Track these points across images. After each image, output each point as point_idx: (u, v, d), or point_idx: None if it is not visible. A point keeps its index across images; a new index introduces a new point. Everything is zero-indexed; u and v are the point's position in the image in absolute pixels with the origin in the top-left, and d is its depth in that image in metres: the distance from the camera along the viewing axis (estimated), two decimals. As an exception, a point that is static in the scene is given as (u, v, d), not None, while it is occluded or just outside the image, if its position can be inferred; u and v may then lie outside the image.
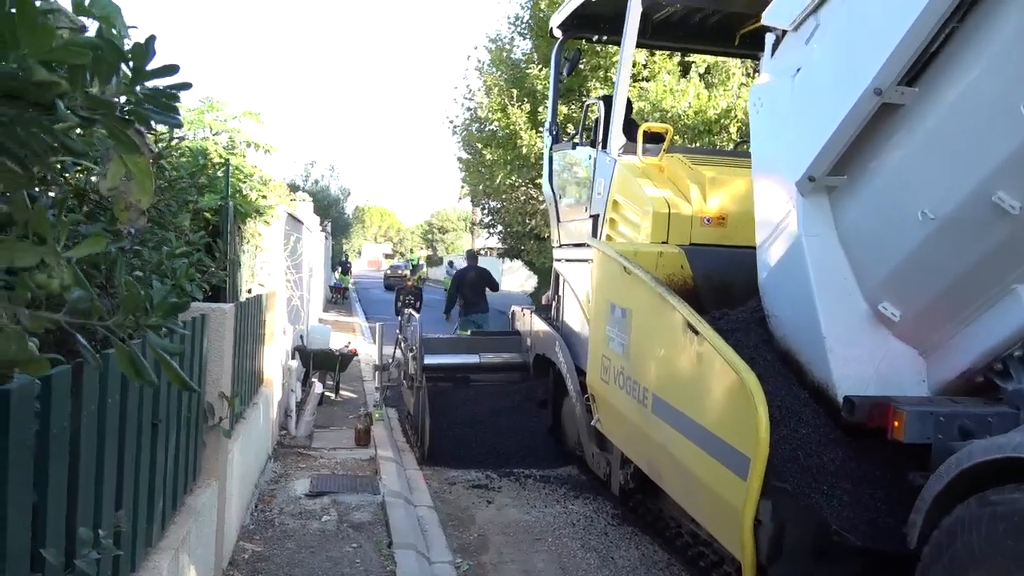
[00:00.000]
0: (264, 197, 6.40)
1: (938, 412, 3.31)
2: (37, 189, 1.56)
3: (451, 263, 31.37)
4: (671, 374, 4.07)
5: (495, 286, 11.39)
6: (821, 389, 3.72)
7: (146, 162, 1.02)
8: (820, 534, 3.19)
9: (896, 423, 3.35)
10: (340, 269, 32.05)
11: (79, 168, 2.24)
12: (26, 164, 0.92)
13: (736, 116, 11.25)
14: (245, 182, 6.07)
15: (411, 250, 48.90)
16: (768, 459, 3.19)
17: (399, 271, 41.74)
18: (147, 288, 1.13)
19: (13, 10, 0.81)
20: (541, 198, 13.94)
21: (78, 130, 1.01)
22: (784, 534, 3.23)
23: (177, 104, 1.00)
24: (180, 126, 1.08)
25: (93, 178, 2.72)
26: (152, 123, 1.01)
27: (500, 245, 19.60)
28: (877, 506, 3.32)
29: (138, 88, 0.96)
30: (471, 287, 11.17)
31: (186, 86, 0.99)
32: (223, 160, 5.40)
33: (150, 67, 0.99)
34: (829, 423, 3.62)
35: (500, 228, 19.21)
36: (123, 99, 1.01)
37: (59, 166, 1.81)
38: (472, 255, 12.11)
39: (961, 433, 3.26)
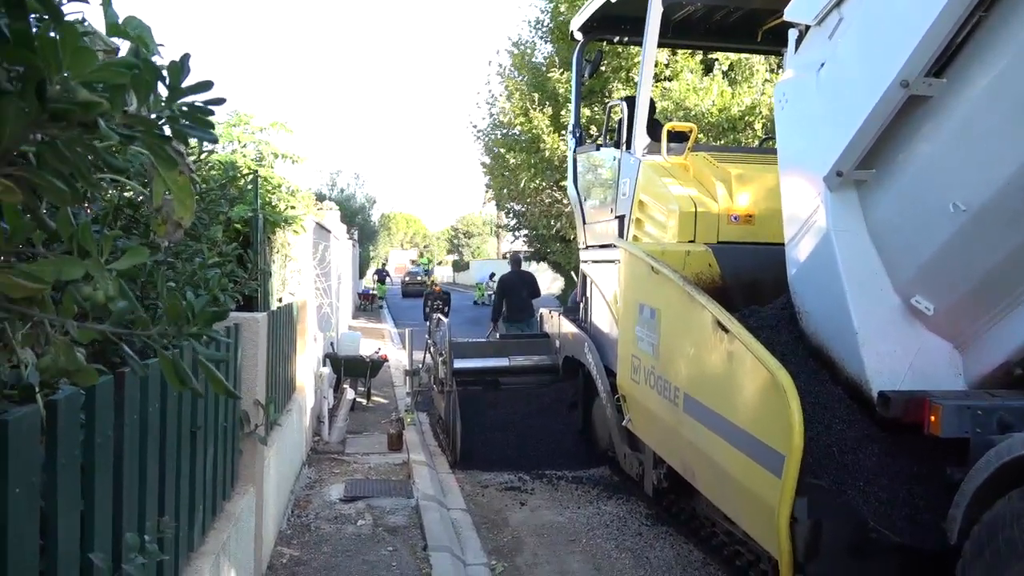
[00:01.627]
0: (292, 207, 6.47)
1: (976, 406, 3.26)
2: (77, 205, 1.60)
3: (492, 274, 31.55)
4: (702, 373, 4.05)
5: (537, 292, 10.87)
6: (855, 385, 3.68)
7: (186, 180, 1.05)
8: (857, 531, 3.16)
9: (933, 418, 3.30)
10: (377, 277, 32.23)
11: (116, 184, 2.30)
12: (71, 182, 0.95)
13: (760, 113, 11.17)
14: (274, 193, 6.14)
15: (420, 253, 49.12)
16: (803, 456, 3.16)
17: (417, 277, 41.94)
18: (189, 298, 1.16)
19: (56, 35, 0.84)
20: (566, 200, 13.95)
21: (116, 148, 1.04)
22: (821, 532, 3.19)
23: (213, 120, 1.03)
24: (216, 141, 1.11)
25: (127, 193, 2.79)
26: (189, 139, 1.04)
27: (526, 248, 19.60)
28: (915, 502, 3.28)
29: (175, 105, 0.99)
30: (516, 293, 10.67)
31: (220, 101, 1.02)
32: (252, 172, 5.48)
33: (185, 84, 1.03)
34: (864, 419, 3.58)
35: (525, 231, 19.21)
36: (160, 116, 1.05)
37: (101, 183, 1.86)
38: (516, 259, 11.51)
39: (1000, 426, 3.20)
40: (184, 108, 1.00)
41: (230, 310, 2.08)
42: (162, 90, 1.03)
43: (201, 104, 1.01)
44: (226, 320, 3.45)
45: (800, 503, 3.20)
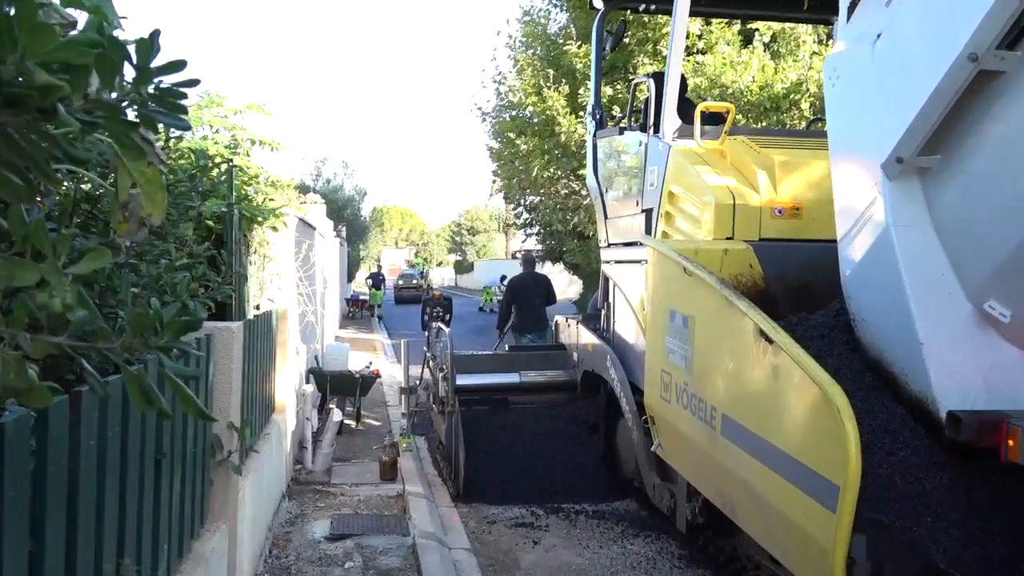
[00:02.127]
0: (272, 201, 6.50)
1: (1061, 428, 3.25)
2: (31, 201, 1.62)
3: (503, 277, 31.54)
4: (742, 390, 4.06)
5: (552, 297, 10.84)
6: (919, 403, 3.67)
7: (156, 171, 1.06)
8: (925, 573, 3.15)
9: (1011, 442, 3.29)
10: (371, 282, 32.30)
11: (73, 176, 2.32)
12: (26, 175, 0.97)
13: (808, 90, 11.17)
14: (250, 184, 6.18)
15: (415, 254, 49.24)
16: (860, 487, 3.14)
17: (412, 281, 41.96)
18: (156, 306, 1.17)
19: (11, 9, 0.85)
20: (584, 192, 13.97)
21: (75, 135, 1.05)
22: (882, 575, 3.19)
23: (185, 103, 1.04)
24: (188, 128, 1.12)
25: (84, 186, 2.82)
26: (159, 126, 1.05)
27: (539, 246, 19.64)
28: (991, 539, 3.26)
29: (143, 88, 1.00)
30: (528, 298, 10.57)
31: (194, 82, 1.03)
32: (226, 161, 5.51)
33: (155, 64, 1.04)
34: (930, 443, 3.57)
35: (538, 227, 19.23)
36: (126, 100, 1.06)
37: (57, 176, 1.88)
38: (528, 260, 11.47)
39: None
40: (154, 91, 1.01)
41: (203, 319, 2.10)
42: (128, 70, 1.05)
43: (172, 86, 1.02)
44: (197, 331, 3.50)
45: (858, 541, 3.18)
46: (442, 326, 8.70)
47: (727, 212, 5.26)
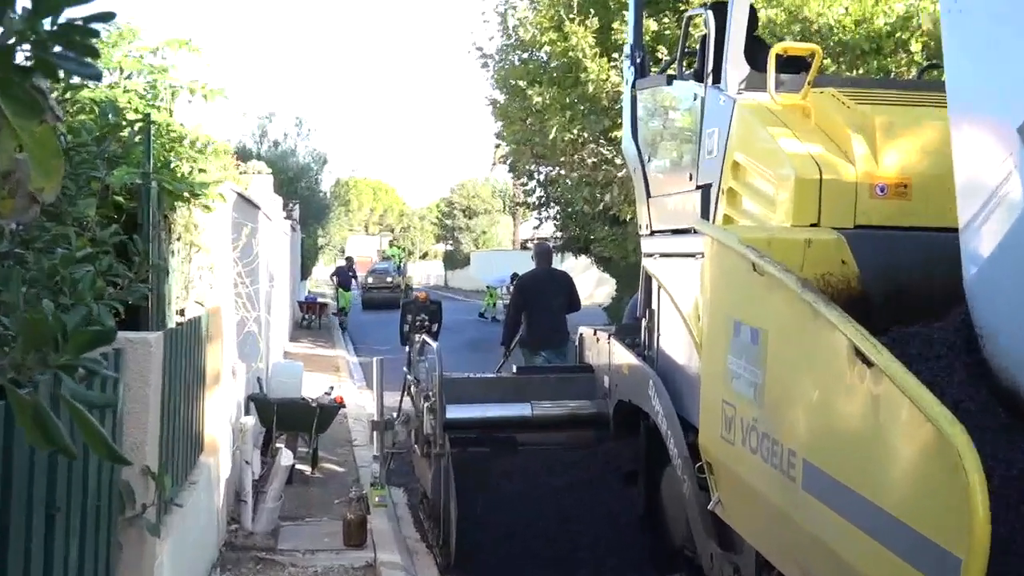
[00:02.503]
0: (202, 171, 6.52)
1: None
2: None
3: (514, 275, 31.40)
4: (831, 429, 4.04)
5: (575, 302, 10.88)
6: (1069, 448, 3.66)
7: (49, 131, 1.06)
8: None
9: None
10: (337, 280, 32.26)
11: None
12: None
13: (920, 27, 11.13)
14: (173, 149, 6.19)
15: (390, 243, 49.04)
16: (989, 560, 3.14)
17: (387, 278, 41.79)
18: (53, 311, 1.18)
19: None
20: (619, 161, 13.95)
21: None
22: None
23: (96, 44, 1.04)
24: (99, 77, 1.12)
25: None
26: (60, 73, 1.05)
27: (558, 233, 19.61)
28: None
29: (39, 23, 1.00)
30: (543, 303, 10.60)
31: (108, 16, 1.03)
32: (141, 116, 5.53)
33: (56, -9, 1.04)
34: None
35: (557, 208, 19.18)
36: (14, 39, 1.06)
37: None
38: (544, 251, 11.51)
39: None
40: (54, 27, 1.01)
41: (115, 330, 2.11)
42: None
43: (79, 21, 1.02)
44: (110, 344, 3.50)
45: (984, 633, 3.19)
46: (428, 339, 8.69)
47: (811, 190, 5.24)
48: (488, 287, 37.31)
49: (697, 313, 5.98)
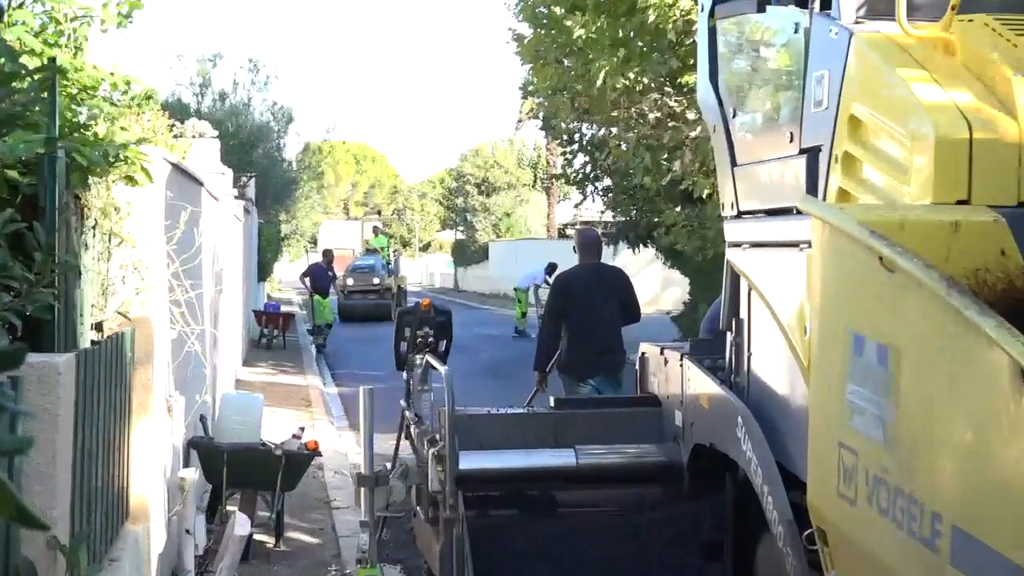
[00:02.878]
0: (124, 129, 6.50)
1: None
2: None
3: (551, 266, 31.23)
4: (991, 483, 4.00)
5: (634, 310, 10.94)
6: None
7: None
8: None
9: None
10: (311, 283, 31.48)
11: None
12: None
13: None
14: (85, 102, 6.17)
15: (374, 230, 48.39)
16: None
17: (373, 279, 41.72)
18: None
19: None
20: (693, 115, 13.90)
21: None
22: None
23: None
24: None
25: None
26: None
27: (608, 215, 19.52)
28: None
29: None
30: (591, 312, 10.68)
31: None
32: (47, 62, 5.50)
33: None
34: None
35: (607, 181, 19.10)
36: None
37: None
38: (591, 240, 11.51)
39: None
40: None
41: (24, 350, 2.06)
42: None
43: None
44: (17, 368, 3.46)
45: None
46: (433, 361, 8.69)
47: (958, 154, 5.21)
48: (517, 290, 36.81)
49: (803, 324, 5.92)
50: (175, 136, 10.36)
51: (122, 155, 6.38)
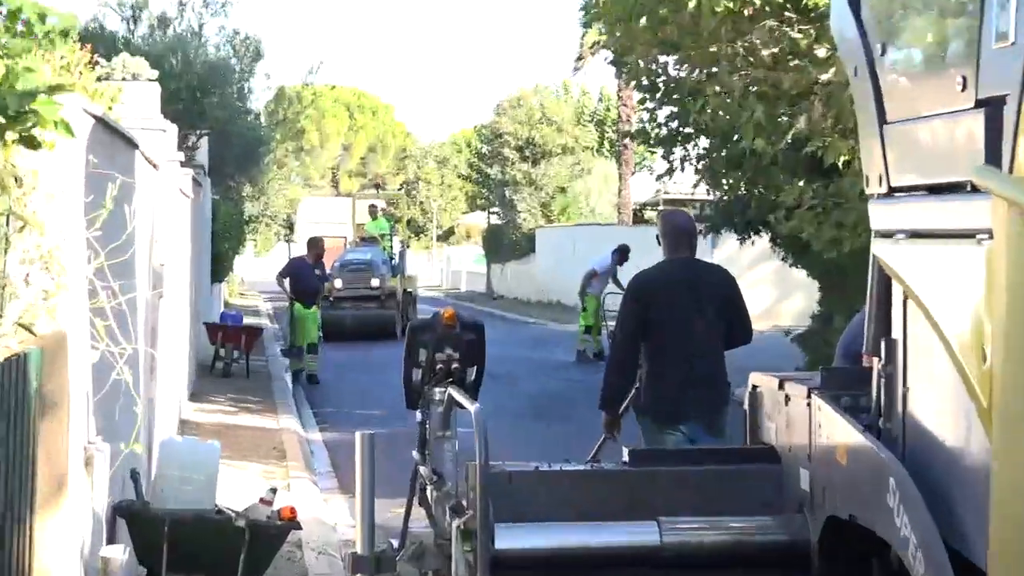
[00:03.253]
0: (28, 70, 6.53)
1: None
2: None
3: (621, 252, 31.30)
4: None
5: (746, 325, 11.09)
6: None
7: None
8: None
9: None
10: (291, 285, 30.88)
11: None
12: None
13: None
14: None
15: (372, 210, 47.86)
16: None
17: (370, 279, 42.40)
18: None
19: None
20: (824, 53, 13.89)
21: None
22: None
23: None
24: None
25: None
26: None
27: (704, 191, 19.63)
28: None
29: None
30: (681, 327, 10.89)
31: None
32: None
33: None
34: None
35: (704, 144, 19.21)
36: None
37: None
38: (681, 226, 11.58)
39: None
40: None
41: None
42: None
43: None
44: None
45: None
46: (459, 396, 8.70)
47: None
48: (587, 295, 35.73)
49: (982, 347, 5.82)
50: (99, 79, 10.37)
51: (28, 107, 6.33)
